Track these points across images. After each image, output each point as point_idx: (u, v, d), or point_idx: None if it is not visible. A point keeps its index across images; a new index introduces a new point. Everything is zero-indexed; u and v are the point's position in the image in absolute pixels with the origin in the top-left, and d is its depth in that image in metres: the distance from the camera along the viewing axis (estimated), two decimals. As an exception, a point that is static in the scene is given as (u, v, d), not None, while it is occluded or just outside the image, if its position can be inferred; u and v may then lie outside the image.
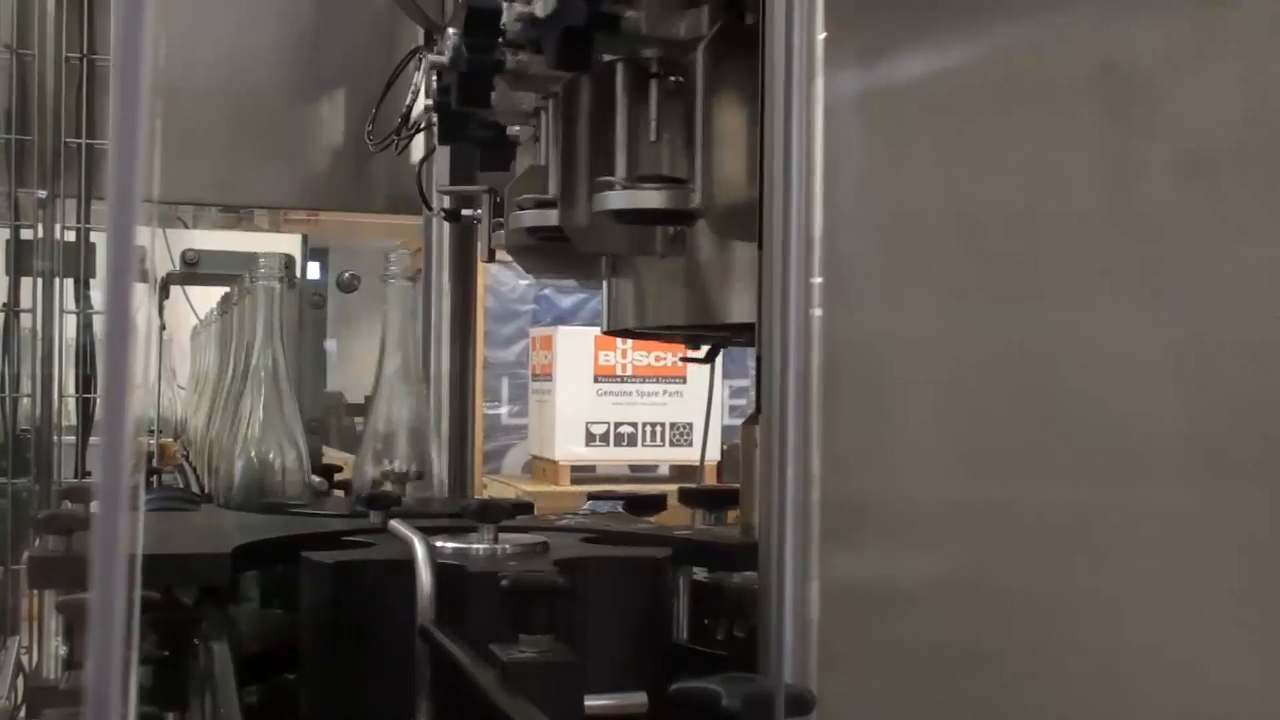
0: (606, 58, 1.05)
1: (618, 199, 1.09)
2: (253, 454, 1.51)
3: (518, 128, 1.36)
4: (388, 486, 1.42)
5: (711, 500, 1.31)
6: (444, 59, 1.18)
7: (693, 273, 1.12)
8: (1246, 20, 0.58)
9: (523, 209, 1.30)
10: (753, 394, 1.15)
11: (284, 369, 1.52)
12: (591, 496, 1.38)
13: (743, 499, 1.20)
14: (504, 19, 1.08)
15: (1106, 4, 0.66)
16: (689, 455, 4.30)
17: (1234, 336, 0.58)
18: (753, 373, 1.21)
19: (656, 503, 1.32)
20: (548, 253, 1.30)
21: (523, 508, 1.25)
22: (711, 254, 1.09)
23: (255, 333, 1.52)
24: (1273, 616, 0.57)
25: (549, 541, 1.05)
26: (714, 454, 3.89)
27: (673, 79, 1.08)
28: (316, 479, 1.62)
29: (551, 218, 1.17)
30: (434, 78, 1.37)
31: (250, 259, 1.73)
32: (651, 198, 1.08)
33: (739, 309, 1.07)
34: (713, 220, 1.05)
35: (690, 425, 4.36)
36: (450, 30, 1.16)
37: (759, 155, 0.86)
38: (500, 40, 1.11)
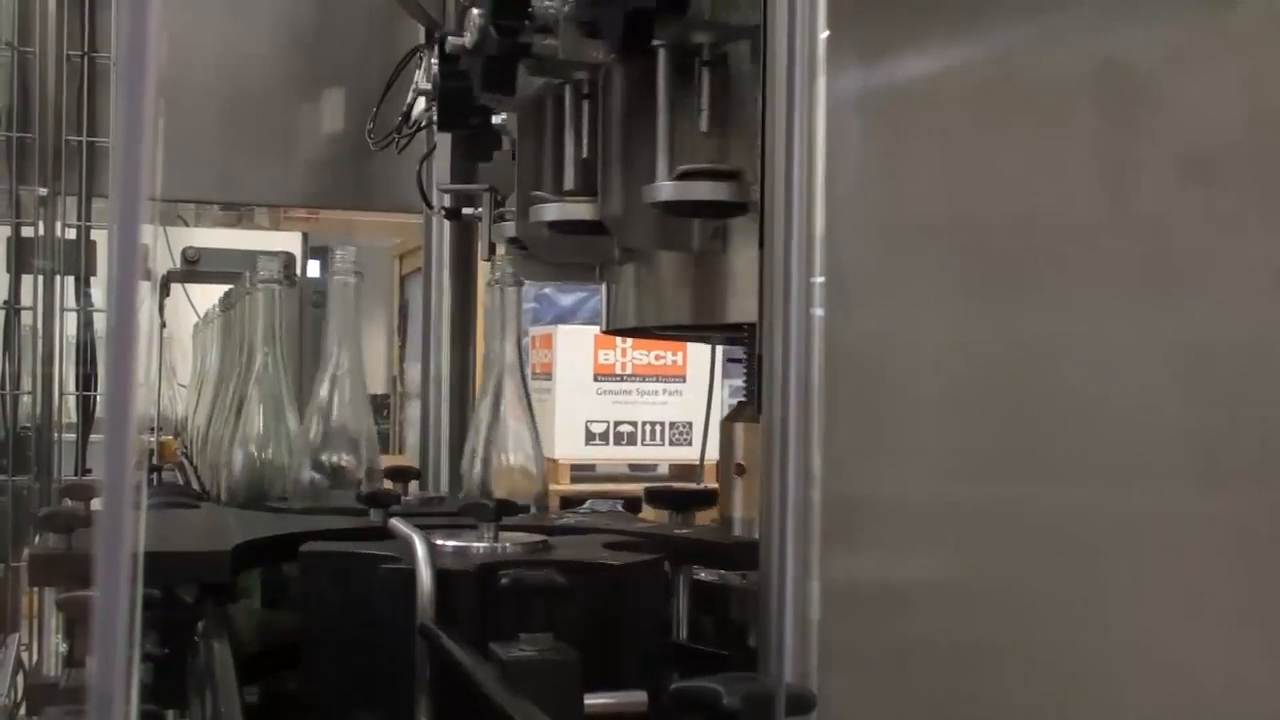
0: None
1: (551, 210, 1.15)
2: (326, 456, 1.51)
3: (504, 115, 1.36)
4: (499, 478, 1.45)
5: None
6: (464, 42, 1.15)
7: (694, 272, 1.12)
8: (1246, 21, 0.58)
9: (505, 220, 1.32)
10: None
11: (361, 368, 1.54)
12: (649, 492, 1.38)
13: (721, 493, 1.21)
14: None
15: (1106, 5, 0.66)
16: (688, 454, 4.30)
17: (1233, 337, 0.58)
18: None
19: (707, 498, 1.31)
20: (559, 248, 1.31)
21: (522, 507, 1.25)
22: (713, 253, 1.09)
23: (332, 332, 1.52)
24: (1272, 617, 0.57)
25: (549, 540, 1.05)
26: (714, 453, 3.89)
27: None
28: (317, 476, 1.61)
29: (579, 210, 1.17)
30: (435, 64, 1.36)
31: (250, 257, 1.73)
32: (580, 210, 1.13)
33: (740, 309, 1.07)
34: (614, 229, 1.11)
35: (690, 424, 4.36)
36: (475, 11, 1.12)
37: (760, 154, 0.86)
38: (527, 22, 1.10)
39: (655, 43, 1.01)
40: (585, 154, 1.15)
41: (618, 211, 1.09)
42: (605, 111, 1.11)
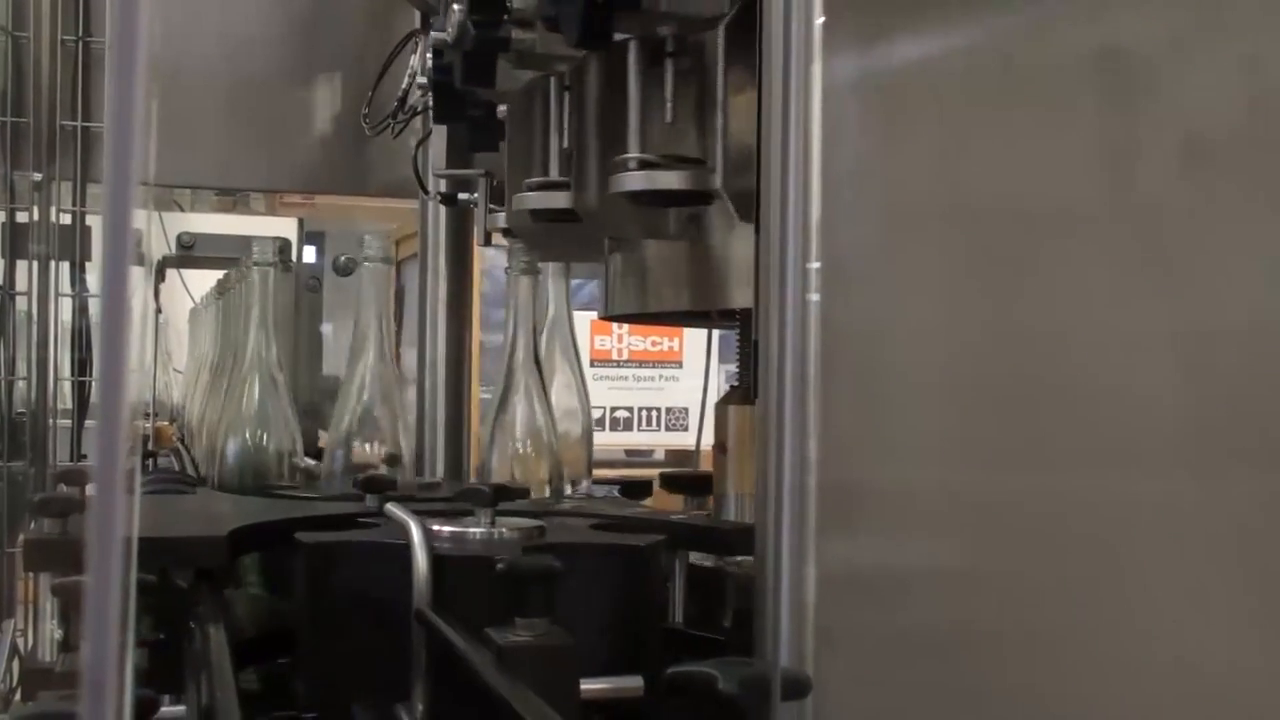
0: (619, 37, 1.05)
1: (531, 200, 1.17)
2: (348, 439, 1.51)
3: (506, 107, 1.37)
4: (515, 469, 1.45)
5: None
6: (447, 36, 1.17)
7: (694, 257, 1.12)
8: (1248, 5, 0.58)
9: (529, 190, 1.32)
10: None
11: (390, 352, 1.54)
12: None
13: (714, 474, 1.22)
14: None
15: (1105, -11, 0.66)
16: (684, 440, 4.30)
17: (1234, 324, 0.58)
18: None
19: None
20: (552, 235, 1.31)
21: (519, 492, 1.25)
22: (714, 238, 1.09)
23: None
24: (1271, 605, 0.57)
25: (545, 526, 1.05)
26: (709, 438, 3.89)
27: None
28: (312, 462, 1.62)
29: (557, 199, 1.18)
30: (430, 57, 1.37)
31: (246, 242, 1.73)
32: (558, 199, 1.15)
33: (741, 294, 1.07)
34: (588, 219, 1.13)
35: (686, 410, 4.36)
36: (455, 6, 1.15)
37: (756, 140, 0.86)
38: (506, 17, 1.11)
39: (622, 36, 1.02)
40: (566, 145, 1.16)
41: (592, 202, 1.11)
42: (579, 103, 1.13)
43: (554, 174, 1.17)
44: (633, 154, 1.03)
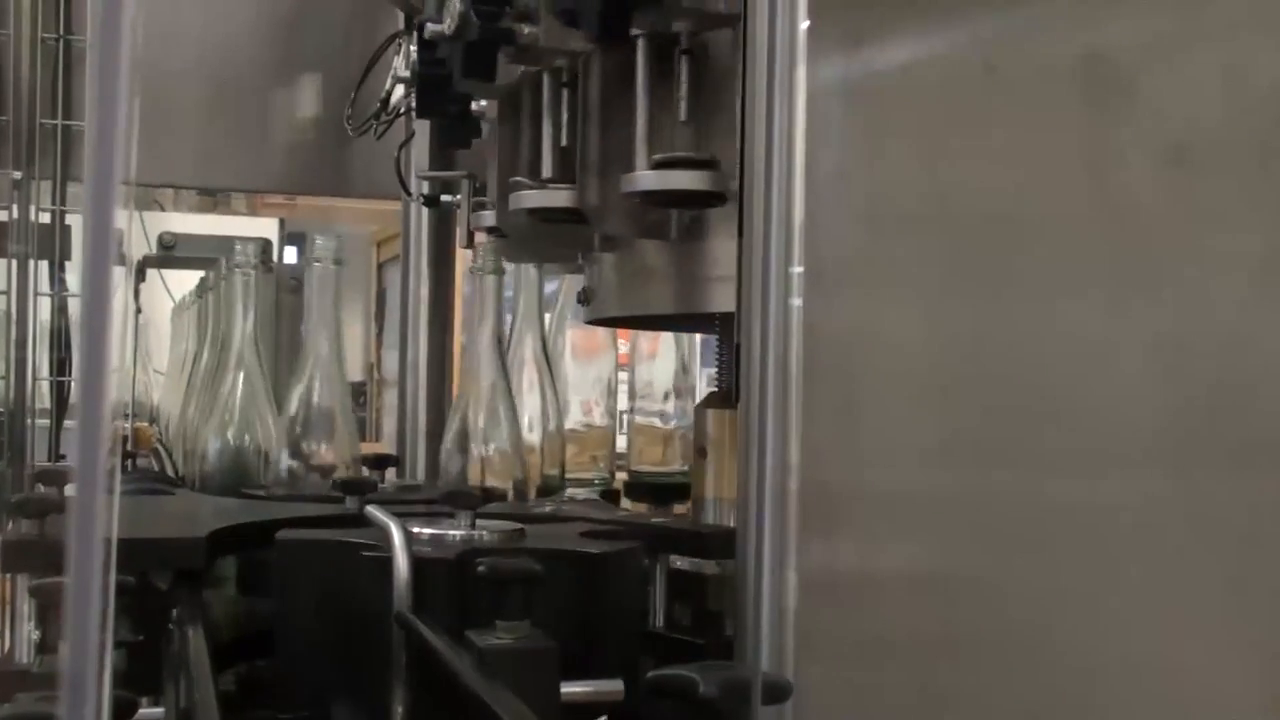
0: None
1: (531, 198, 1.14)
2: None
3: (484, 102, 1.36)
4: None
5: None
6: (444, 28, 1.15)
7: (676, 261, 1.12)
8: (1227, 11, 0.58)
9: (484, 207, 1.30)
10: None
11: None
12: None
13: (693, 477, 1.21)
14: None
15: (1088, -4, 0.66)
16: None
17: (1212, 327, 0.58)
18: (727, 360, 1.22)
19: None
20: (540, 236, 1.30)
21: (498, 495, 1.25)
22: (693, 242, 1.09)
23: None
24: (1247, 605, 0.57)
25: (525, 529, 1.05)
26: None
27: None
28: (296, 464, 1.61)
29: (558, 198, 1.15)
30: (414, 50, 1.36)
31: (227, 243, 1.73)
32: (559, 197, 1.12)
33: (723, 298, 1.07)
34: (591, 218, 1.10)
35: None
36: None
37: (739, 143, 0.86)
38: (508, 9, 1.09)
39: (633, 31, 1.01)
40: (564, 142, 1.15)
41: (595, 200, 1.09)
42: (584, 100, 1.11)
43: (549, 172, 1.16)
44: (645, 153, 1.01)
